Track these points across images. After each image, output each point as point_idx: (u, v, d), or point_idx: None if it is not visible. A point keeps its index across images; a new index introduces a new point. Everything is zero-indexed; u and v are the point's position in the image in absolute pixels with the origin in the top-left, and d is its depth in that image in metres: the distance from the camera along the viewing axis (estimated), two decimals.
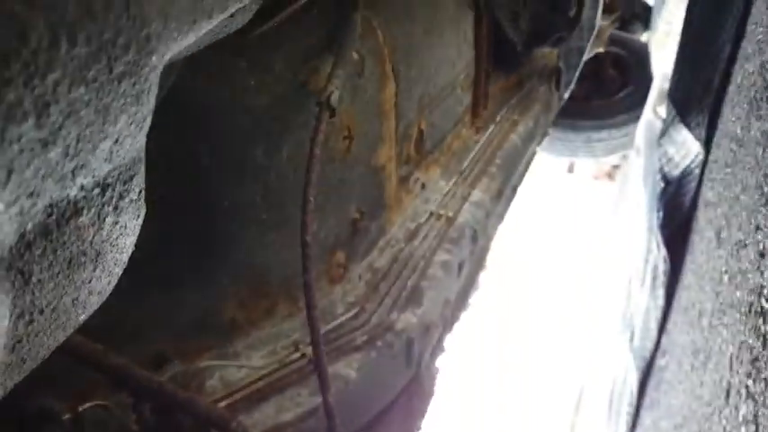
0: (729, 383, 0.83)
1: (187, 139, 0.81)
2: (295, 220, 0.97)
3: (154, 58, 0.25)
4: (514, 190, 2.00)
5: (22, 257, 0.23)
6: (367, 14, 1.03)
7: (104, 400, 0.80)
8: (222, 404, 0.89)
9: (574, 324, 6.66)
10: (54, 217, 0.24)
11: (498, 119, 1.78)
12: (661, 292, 1.61)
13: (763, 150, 0.87)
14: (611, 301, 4.49)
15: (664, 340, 1.61)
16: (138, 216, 0.30)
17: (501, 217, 1.90)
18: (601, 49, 2.63)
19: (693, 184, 1.45)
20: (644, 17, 4.14)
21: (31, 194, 0.22)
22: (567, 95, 2.10)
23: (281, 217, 0.96)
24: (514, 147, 1.72)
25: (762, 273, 0.78)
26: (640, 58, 3.02)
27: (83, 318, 0.32)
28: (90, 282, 0.29)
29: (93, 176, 0.25)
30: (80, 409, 0.77)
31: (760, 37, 1.03)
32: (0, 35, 0.18)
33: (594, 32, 1.96)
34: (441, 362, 1.42)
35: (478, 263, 1.73)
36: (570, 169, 6.63)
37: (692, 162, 1.45)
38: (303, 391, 0.96)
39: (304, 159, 0.94)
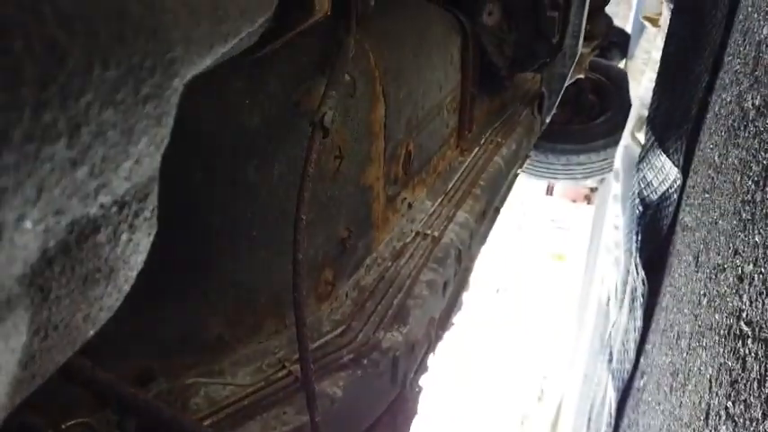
0: (709, 405, 0.85)
1: (180, 154, 0.81)
2: (285, 237, 0.97)
3: (176, 80, 0.26)
4: (497, 211, 2.03)
5: (42, 274, 0.23)
6: (359, 37, 1.05)
7: (88, 418, 0.78)
8: (207, 422, 0.88)
9: (548, 343, 6.70)
10: (74, 234, 0.24)
11: (482, 141, 1.81)
12: (639, 314, 1.64)
13: (741, 177, 0.90)
14: (588, 322, 4.53)
15: (642, 361, 1.63)
16: (150, 234, 0.30)
17: (484, 237, 1.92)
18: (581, 75, 2.70)
19: (671, 209, 1.49)
20: (622, 45, 4.27)
21: (57, 212, 0.22)
22: (548, 119, 2.14)
23: (271, 234, 0.97)
24: (498, 169, 1.75)
25: (740, 296, 0.80)
26: (619, 85, 3.10)
27: (91, 334, 0.32)
28: (102, 298, 0.29)
29: (113, 195, 0.25)
30: (63, 426, 0.75)
31: (737, 68, 1.07)
32: (41, 60, 0.18)
33: (576, 59, 2.02)
34: (423, 381, 1.42)
35: (462, 282, 1.74)
36: (549, 191, 6.75)
37: (671, 187, 1.49)
38: (289, 409, 0.95)
39: (295, 178, 0.95)
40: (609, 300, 2.98)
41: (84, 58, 0.20)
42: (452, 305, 1.65)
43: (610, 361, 2.00)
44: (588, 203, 6.40)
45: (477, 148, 1.79)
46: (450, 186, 1.62)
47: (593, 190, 5.99)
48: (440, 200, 1.56)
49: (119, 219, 0.27)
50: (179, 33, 0.26)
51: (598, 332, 4.02)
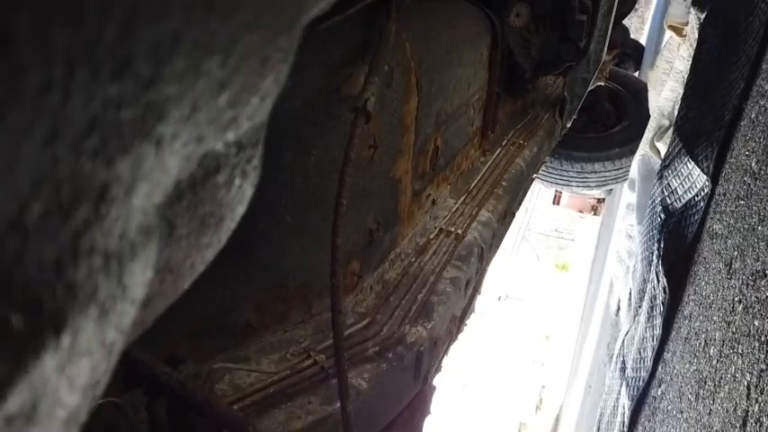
0: (747, 412, 0.83)
1: None
2: (317, 225, 0.96)
3: (303, 17, 0.25)
4: (513, 215, 2.02)
5: (171, 207, 0.22)
6: (398, 28, 1.04)
7: (117, 397, 0.77)
8: None
9: (548, 353, 6.68)
10: (202, 169, 0.23)
11: (505, 142, 1.80)
12: (659, 322, 1.62)
13: None
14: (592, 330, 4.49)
15: (660, 370, 1.61)
16: (254, 185, 0.29)
17: (501, 239, 1.91)
18: (601, 83, 2.69)
19: (697, 217, 1.47)
20: (636, 56, 4.26)
21: (198, 139, 0.21)
22: (569, 124, 2.13)
23: (304, 221, 0.95)
24: (519, 171, 1.74)
25: None
26: (636, 95, 3.09)
27: (186, 286, 0.31)
28: (207, 247, 0.28)
29: (236, 133, 0.24)
30: None
31: None
32: None
33: (600, 65, 2.01)
34: (438, 380, 1.41)
35: (479, 283, 1.73)
36: (556, 201, 6.73)
37: (697, 195, 1.48)
38: (314, 399, 0.94)
39: (330, 165, 0.94)
40: (619, 310, 2.94)
41: None
42: (470, 305, 1.63)
43: (623, 370, 1.98)
44: (595, 214, 6.38)
45: (499, 149, 1.77)
46: (472, 185, 1.61)
47: (600, 201, 5.98)
48: (462, 198, 1.54)
49: (235, 161, 0.25)
50: None
51: (603, 342, 3.98)
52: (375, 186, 1.10)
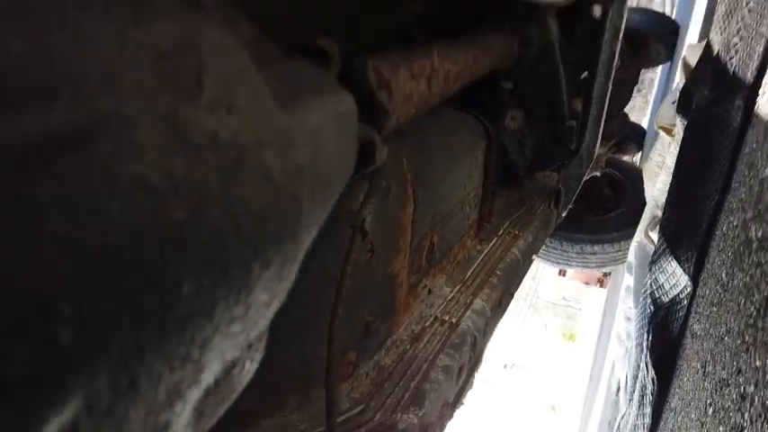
0: None
1: None
2: (316, 325, 1.06)
3: (300, 254, 0.36)
4: (511, 296, 2.10)
5: (202, 403, 0.32)
6: (395, 146, 1.17)
7: None
8: None
9: (553, 421, 6.53)
10: (223, 371, 0.33)
11: (501, 232, 1.91)
12: (648, 411, 1.67)
13: (745, 301, 0.98)
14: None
15: None
16: (258, 362, 0.39)
17: (495, 326, 1.98)
18: (597, 173, 2.82)
19: (682, 314, 1.55)
20: (637, 139, 4.42)
21: (223, 359, 0.31)
22: (564, 214, 2.24)
23: (305, 321, 1.05)
24: (515, 259, 1.84)
25: (743, 414, 0.86)
26: (634, 182, 3.22)
27: None
28: (222, 410, 0.38)
29: (250, 340, 0.35)
30: None
31: (742, 196, 1.17)
32: (245, 260, 0.28)
33: (593, 160, 2.13)
34: None
35: (475, 365, 1.79)
36: (562, 273, 6.77)
37: (681, 293, 1.56)
38: None
39: (330, 273, 1.04)
40: (619, 390, 2.96)
41: (273, 261, 0.30)
42: (465, 387, 1.69)
43: None
44: (601, 286, 6.41)
45: (495, 239, 1.88)
46: (468, 274, 1.71)
47: (606, 274, 6.02)
48: (458, 287, 1.64)
49: (247, 356, 0.36)
50: (306, 221, 0.35)
51: (606, 419, 3.94)
52: (372, 285, 1.20)
